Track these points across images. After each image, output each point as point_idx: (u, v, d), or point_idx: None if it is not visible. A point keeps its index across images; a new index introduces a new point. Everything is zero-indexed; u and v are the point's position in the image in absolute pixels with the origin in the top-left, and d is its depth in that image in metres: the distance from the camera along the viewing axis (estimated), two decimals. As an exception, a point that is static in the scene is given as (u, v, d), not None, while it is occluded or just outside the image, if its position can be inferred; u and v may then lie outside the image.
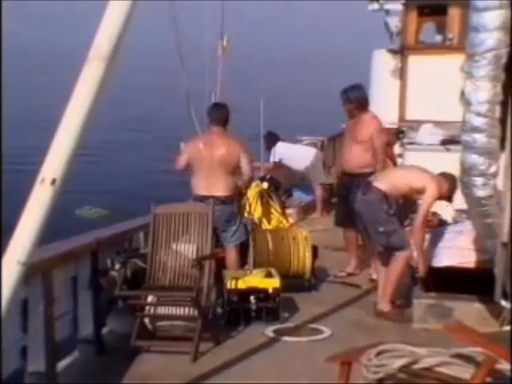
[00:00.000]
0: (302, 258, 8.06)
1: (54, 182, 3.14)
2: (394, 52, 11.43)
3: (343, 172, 8.78)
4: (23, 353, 5.45)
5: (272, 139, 12.33)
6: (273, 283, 7.03)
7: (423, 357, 4.00)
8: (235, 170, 7.65)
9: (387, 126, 9.29)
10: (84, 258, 6.38)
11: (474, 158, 5.78)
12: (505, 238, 6.06)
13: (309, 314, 7.22)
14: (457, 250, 7.06)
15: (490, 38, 5.55)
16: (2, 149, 19.34)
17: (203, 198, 7.44)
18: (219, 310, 7.04)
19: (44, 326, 5.55)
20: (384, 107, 10.05)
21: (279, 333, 6.70)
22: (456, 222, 8.34)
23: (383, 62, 11.55)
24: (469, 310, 6.71)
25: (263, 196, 9.95)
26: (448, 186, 7.15)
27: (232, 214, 7.64)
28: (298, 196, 12.79)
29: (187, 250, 6.60)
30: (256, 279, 7.09)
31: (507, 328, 6.10)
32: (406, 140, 10.75)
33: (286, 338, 6.60)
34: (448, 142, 9.86)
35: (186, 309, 6.42)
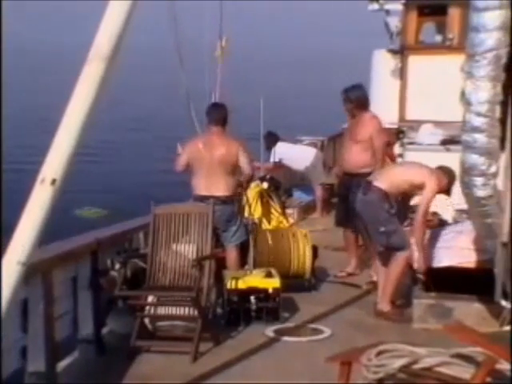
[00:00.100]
0: (302, 258, 8.06)
1: (54, 182, 3.14)
2: (394, 52, 11.42)
3: (343, 172, 8.79)
4: (23, 353, 5.45)
5: (272, 139, 12.32)
6: (273, 283, 7.03)
7: (423, 357, 4.00)
8: (235, 170, 7.65)
9: (387, 125, 9.29)
10: (84, 258, 6.38)
11: (474, 158, 5.78)
12: (505, 238, 6.06)
13: (309, 314, 7.22)
14: (457, 250, 7.06)
15: (490, 38, 5.55)
16: (2, 148, 19.34)
17: (203, 198, 7.44)
18: (219, 310, 7.04)
19: (44, 326, 5.55)
20: (384, 107, 10.05)
21: (279, 333, 6.70)
22: (456, 221, 8.35)
23: (383, 62, 11.55)
24: (469, 310, 6.70)
25: (263, 196, 9.95)
26: (446, 179, 7.17)
27: (232, 213, 7.64)
28: (298, 196, 12.79)
29: (187, 250, 6.60)
30: (256, 279, 7.09)
31: (507, 328, 6.10)
32: (406, 140, 10.75)
33: (286, 338, 6.60)
34: (448, 142, 9.86)
35: (186, 309, 6.42)
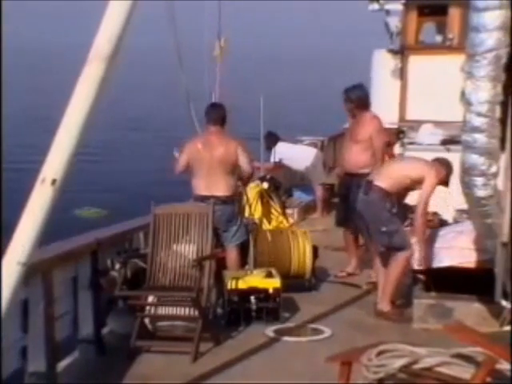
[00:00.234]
0: (303, 258, 8.05)
1: (54, 182, 3.15)
2: (394, 52, 11.41)
3: (344, 172, 8.80)
4: (23, 353, 5.45)
5: (272, 139, 12.32)
6: (273, 283, 7.03)
7: (423, 357, 4.00)
8: (235, 169, 7.65)
9: (387, 126, 9.29)
10: (84, 258, 6.38)
11: (475, 158, 5.78)
12: (505, 238, 6.06)
13: (309, 314, 7.22)
14: (457, 251, 7.06)
15: (490, 38, 5.54)
16: (2, 148, 19.35)
17: (204, 198, 7.44)
18: (219, 310, 7.04)
19: (44, 326, 5.55)
20: (384, 107, 10.04)
21: (279, 333, 6.70)
22: (456, 221, 8.35)
23: (383, 62, 11.54)
24: (469, 310, 6.70)
25: (263, 196, 9.95)
26: (445, 170, 7.19)
27: (233, 213, 7.64)
28: (299, 196, 12.78)
29: (187, 250, 6.60)
30: (256, 279, 7.09)
31: (507, 328, 6.10)
32: (406, 140, 10.75)
33: (286, 338, 6.60)
34: (448, 142, 9.85)
35: (187, 309, 6.42)
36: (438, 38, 11.57)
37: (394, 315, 7.10)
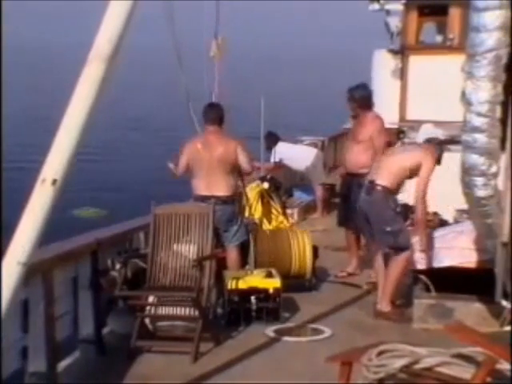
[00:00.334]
0: (303, 258, 8.05)
1: (54, 182, 3.15)
2: (394, 52, 11.40)
3: (346, 172, 8.81)
4: (24, 353, 5.45)
5: (272, 139, 12.32)
6: (273, 283, 7.03)
7: (424, 357, 4.00)
8: (234, 169, 7.65)
9: (388, 126, 9.29)
10: (84, 258, 6.38)
11: (475, 158, 5.78)
12: (505, 238, 6.06)
13: (309, 314, 7.22)
14: (458, 251, 7.05)
15: (490, 38, 5.55)
16: (2, 147, 19.36)
17: (204, 198, 7.44)
18: (220, 311, 7.03)
19: (44, 326, 5.55)
20: (384, 107, 10.03)
21: (280, 333, 6.70)
22: (456, 221, 8.35)
23: (384, 63, 11.53)
24: (469, 310, 6.70)
25: (264, 196, 9.95)
26: (438, 150, 7.20)
27: (233, 213, 7.64)
28: (299, 196, 12.78)
29: (188, 250, 6.60)
30: (256, 279, 7.08)
31: (507, 328, 6.10)
32: (406, 140, 10.74)
33: (286, 338, 6.60)
34: (448, 142, 9.85)
35: (187, 309, 6.42)
36: (439, 38, 11.56)
37: (394, 315, 7.09)
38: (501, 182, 6.04)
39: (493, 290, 6.33)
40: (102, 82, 3.20)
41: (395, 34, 11.58)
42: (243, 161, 7.61)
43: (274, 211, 10.02)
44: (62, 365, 5.94)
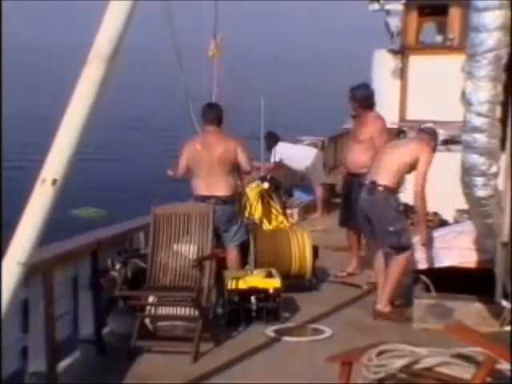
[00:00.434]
0: (303, 258, 8.05)
1: (54, 182, 3.15)
2: (394, 52, 11.40)
3: (347, 172, 8.81)
4: (24, 353, 5.45)
5: (272, 139, 12.32)
6: (273, 283, 7.03)
7: (424, 357, 4.00)
8: (234, 169, 7.66)
9: (388, 126, 9.29)
10: (84, 258, 6.38)
11: (475, 158, 5.78)
12: (505, 238, 6.06)
13: (309, 314, 7.22)
14: (458, 251, 7.05)
15: (490, 38, 5.55)
16: (2, 147, 19.37)
17: (204, 198, 7.44)
18: (220, 311, 7.03)
19: (44, 326, 5.55)
20: (385, 107, 10.04)
21: (280, 333, 6.70)
22: (457, 221, 8.35)
23: (384, 63, 11.53)
24: (469, 310, 6.70)
25: (264, 196, 9.95)
26: (433, 140, 7.21)
27: (233, 213, 7.64)
28: (299, 196, 12.78)
29: (188, 250, 6.60)
30: (257, 279, 7.08)
31: (507, 328, 6.10)
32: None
33: (286, 338, 6.60)
34: (448, 142, 9.86)
35: (187, 309, 6.42)
36: (439, 38, 11.56)
37: (393, 315, 7.09)
38: (501, 182, 6.04)
39: (493, 290, 6.33)
40: (101, 82, 3.20)
41: (395, 34, 11.58)
42: (243, 160, 7.61)
43: (273, 211, 10.02)
44: (62, 365, 5.94)
